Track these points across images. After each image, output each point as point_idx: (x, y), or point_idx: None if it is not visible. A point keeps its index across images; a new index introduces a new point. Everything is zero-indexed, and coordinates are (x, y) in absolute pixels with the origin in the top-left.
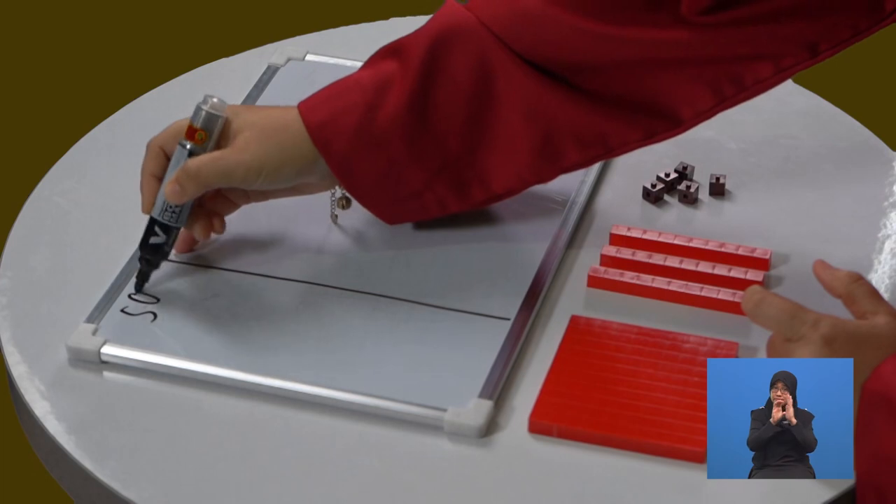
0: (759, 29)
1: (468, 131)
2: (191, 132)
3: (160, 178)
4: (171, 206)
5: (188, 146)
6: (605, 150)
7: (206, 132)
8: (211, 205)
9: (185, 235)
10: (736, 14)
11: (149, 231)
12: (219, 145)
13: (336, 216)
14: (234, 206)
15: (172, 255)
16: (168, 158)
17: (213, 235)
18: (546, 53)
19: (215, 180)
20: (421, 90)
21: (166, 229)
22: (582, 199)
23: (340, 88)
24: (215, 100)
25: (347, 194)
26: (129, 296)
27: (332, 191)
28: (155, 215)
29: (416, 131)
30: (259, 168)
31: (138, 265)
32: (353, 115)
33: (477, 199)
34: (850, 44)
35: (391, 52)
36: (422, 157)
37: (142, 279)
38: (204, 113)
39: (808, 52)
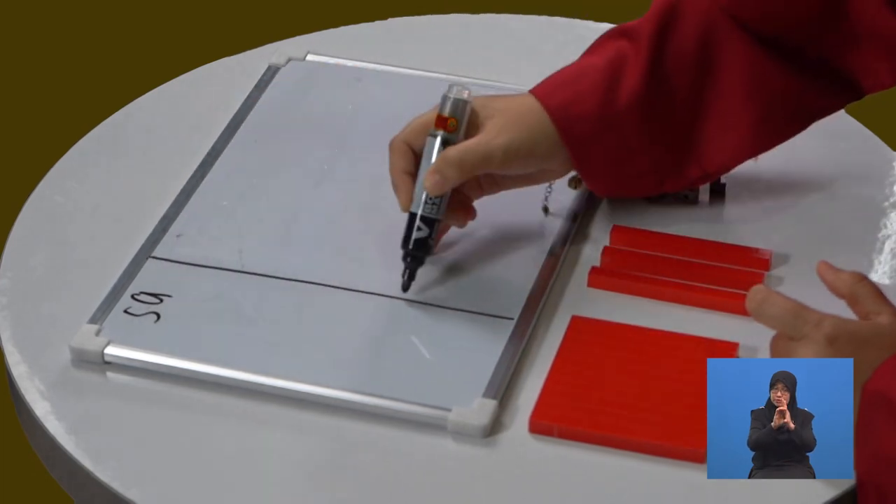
0: None
1: (692, 103)
2: (441, 121)
3: (413, 174)
4: (431, 199)
5: (440, 135)
6: (809, 123)
7: (457, 119)
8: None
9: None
10: None
11: (410, 227)
12: (467, 134)
13: (546, 208)
14: (470, 200)
15: (176, 255)
16: (415, 154)
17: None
18: (774, 19)
19: (477, 166)
20: (654, 65)
21: (429, 222)
22: (583, 199)
23: (574, 73)
24: (460, 87)
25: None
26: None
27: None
28: (416, 210)
29: (652, 108)
30: (516, 151)
31: (403, 265)
32: (594, 97)
33: (692, 176)
34: None
35: (619, 33)
36: (654, 134)
37: (410, 277)
38: (451, 100)
39: None
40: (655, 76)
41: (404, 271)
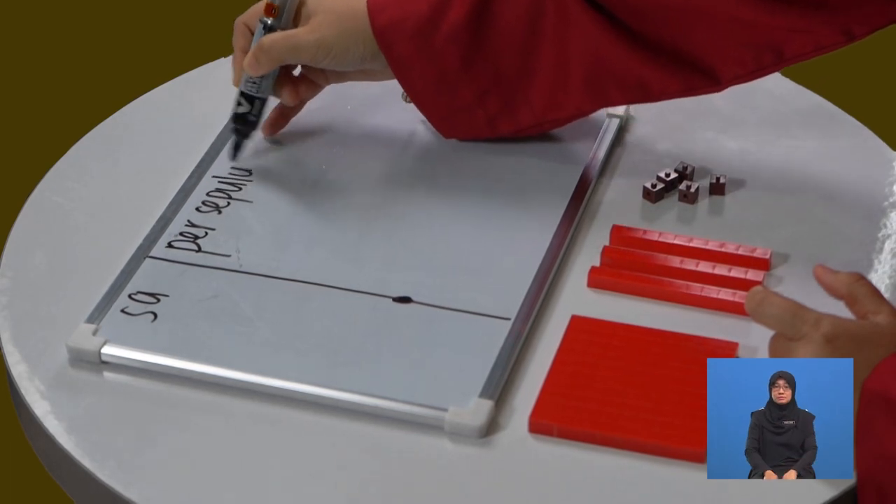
0: (808, 6)
1: (520, 54)
2: (268, 8)
3: (247, 52)
4: (251, 78)
5: (268, 22)
6: (645, 95)
7: (279, 7)
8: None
9: (270, 119)
10: None
11: (237, 103)
12: (295, 25)
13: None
14: (317, 87)
15: (173, 254)
16: (252, 34)
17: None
18: None
19: (285, 56)
20: (481, 6)
21: (250, 99)
22: (582, 199)
23: None
24: None
25: None
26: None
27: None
28: (240, 87)
29: (472, 47)
30: (327, 49)
31: (232, 136)
32: (416, 21)
33: (525, 122)
34: (882, 28)
35: None
36: (475, 72)
37: (235, 148)
38: None
39: (844, 35)
40: (481, 15)
41: (231, 142)
